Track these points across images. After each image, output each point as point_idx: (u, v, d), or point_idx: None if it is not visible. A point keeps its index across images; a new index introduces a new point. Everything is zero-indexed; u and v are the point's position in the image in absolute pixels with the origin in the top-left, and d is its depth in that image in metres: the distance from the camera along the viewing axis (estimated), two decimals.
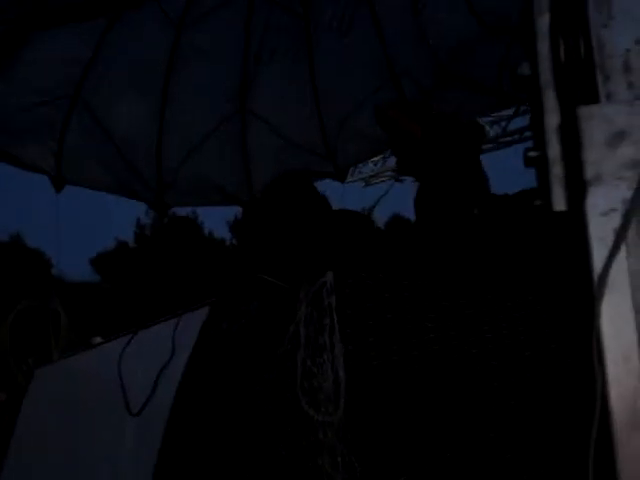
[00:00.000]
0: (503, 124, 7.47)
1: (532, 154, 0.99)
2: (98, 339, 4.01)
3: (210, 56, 5.06)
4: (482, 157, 3.31)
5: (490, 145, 7.74)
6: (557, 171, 0.95)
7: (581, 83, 0.96)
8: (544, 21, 0.98)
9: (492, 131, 7.56)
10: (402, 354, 2.23)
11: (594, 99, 0.95)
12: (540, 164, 0.98)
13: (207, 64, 5.10)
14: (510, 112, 7.11)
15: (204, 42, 5.00)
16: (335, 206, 3.33)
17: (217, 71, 5.18)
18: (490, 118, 7.43)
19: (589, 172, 0.92)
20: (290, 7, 4.93)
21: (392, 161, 8.43)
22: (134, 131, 5.17)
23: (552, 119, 0.96)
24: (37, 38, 4.38)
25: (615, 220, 0.94)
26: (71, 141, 4.97)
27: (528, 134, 7.05)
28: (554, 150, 0.96)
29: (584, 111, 0.93)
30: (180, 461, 2.56)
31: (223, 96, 5.32)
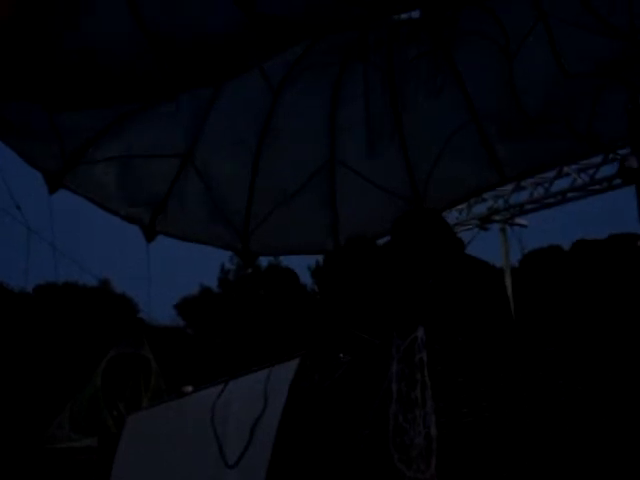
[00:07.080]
0: (590, 172, 7.32)
1: None
2: (189, 388, 4.08)
3: (303, 112, 5.20)
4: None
5: (577, 193, 7.61)
6: None
7: None
8: None
9: (579, 179, 7.43)
10: (492, 411, 2.20)
11: None
12: None
13: (299, 120, 5.23)
14: (599, 160, 6.98)
15: (297, 101, 5.15)
16: None
17: (308, 124, 5.30)
18: (577, 165, 7.29)
19: None
20: (377, 64, 5.03)
21: (477, 209, 8.30)
22: (229, 182, 5.32)
23: None
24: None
25: None
26: (173, 193, 5.15)
27: (616, 182, 6.91)
28: None
29: None
30: None
31: (313, 146, 5.41)
